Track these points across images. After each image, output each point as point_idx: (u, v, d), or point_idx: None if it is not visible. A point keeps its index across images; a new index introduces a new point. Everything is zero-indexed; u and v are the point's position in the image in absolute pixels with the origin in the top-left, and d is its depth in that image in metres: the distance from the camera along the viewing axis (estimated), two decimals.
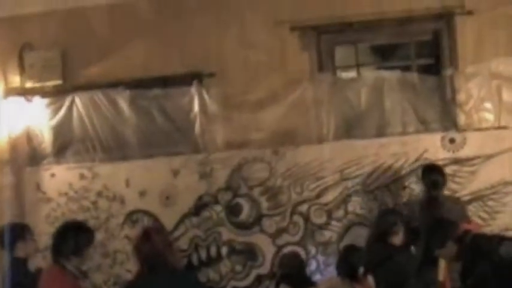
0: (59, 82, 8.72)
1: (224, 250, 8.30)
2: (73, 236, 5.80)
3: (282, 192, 8.26)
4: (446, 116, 8.30)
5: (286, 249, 8.16)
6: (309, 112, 8.37)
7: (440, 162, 7.91)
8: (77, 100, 8.55)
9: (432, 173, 7.63)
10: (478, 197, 8.01)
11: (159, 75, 8.60)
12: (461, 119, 8.25)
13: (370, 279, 6.91)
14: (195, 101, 8.44)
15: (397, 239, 7.05)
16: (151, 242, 5.33)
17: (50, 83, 8.71)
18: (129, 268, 8.01)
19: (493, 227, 7.93)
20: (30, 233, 6.96)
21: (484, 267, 5.51)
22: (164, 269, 5.24)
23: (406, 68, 8.52)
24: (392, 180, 8.15)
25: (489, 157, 8.01)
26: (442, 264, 6.88)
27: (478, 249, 5.64)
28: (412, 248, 7.20)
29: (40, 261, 7.54)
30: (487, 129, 8.20)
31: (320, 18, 8.48)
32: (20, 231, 6.86)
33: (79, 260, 5.77)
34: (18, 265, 6.59)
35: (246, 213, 8.31)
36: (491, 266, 5.48)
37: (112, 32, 8.76)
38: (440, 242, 5.93)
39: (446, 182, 7.61)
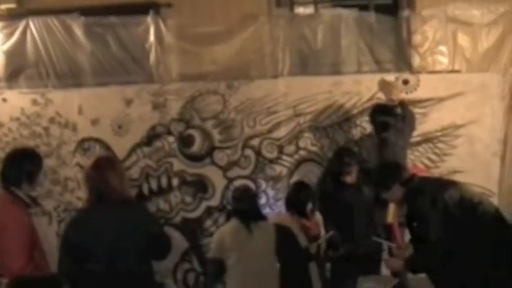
0: (12, 6, 8.55)
1: (175, 181, 8.33)
2: (23, 163, 5.75)
3: (234, 126, 8.30)
4: (401, 57, 8.36)
5: (237, 182, 8.22)
6: (265, 47, 8.36)
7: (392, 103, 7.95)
8: (31, 25, 8.36)
9: (381, 114, 7.65)
10: (428, 139, 8.14)
11: (115, 3, 8.46)
12: (416, 61, 8.34)
13: (318, 216, 7.02)
14: (151, 30, 8.35)
15: (350, 178, 7.11)
16: (102, 172, 5.30)
17: (4, 6, 8.53)
18: (80, 196, 8.05)
19: (442, 169, 8.11)
20: None
21: (428, 210, 5.59)
22: (114, 198, 5.24)
23: (363, 7, 8.51)
24: (345, 119, 8.24)
25: (441, 100, 8.12)
26: (391, 206, 7.00)
27: (423, 193, 5.70)
28: (365, 188, 7.25)
29: None
30: (440, 72, 8.30)
31: None
32: None
33: (29, 186, 5.75)
34: None
35: (198, 145, 8.33)
36: (435, 210, 5.55)
37: None
38: (386, 185, 5.99)
39: (398, 124, 7.63)
